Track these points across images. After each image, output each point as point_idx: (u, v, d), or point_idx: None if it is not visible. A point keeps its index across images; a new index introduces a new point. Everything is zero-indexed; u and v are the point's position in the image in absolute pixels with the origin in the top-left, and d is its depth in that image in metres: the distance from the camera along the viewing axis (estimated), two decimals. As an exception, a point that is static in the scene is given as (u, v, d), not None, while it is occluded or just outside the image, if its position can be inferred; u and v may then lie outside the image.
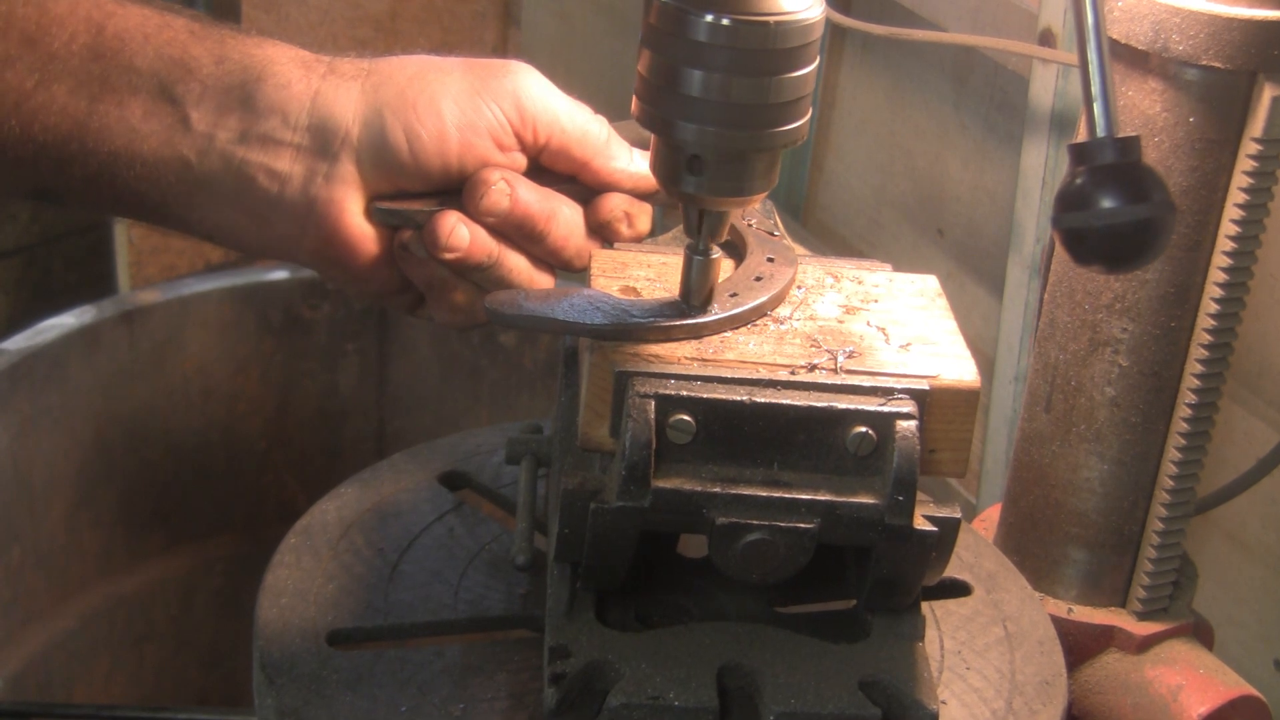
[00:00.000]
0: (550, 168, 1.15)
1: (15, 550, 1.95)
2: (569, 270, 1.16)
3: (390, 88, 1.10)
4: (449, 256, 1.11)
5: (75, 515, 2.03)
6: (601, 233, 1.16)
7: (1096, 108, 0.95)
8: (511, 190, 1.11)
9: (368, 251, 1.12)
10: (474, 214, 1.11)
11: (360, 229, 1.11)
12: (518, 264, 1.14)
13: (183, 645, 2.20)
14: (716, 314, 1.02)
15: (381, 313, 2.20)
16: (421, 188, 1.12)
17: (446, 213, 1.11)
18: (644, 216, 1.16)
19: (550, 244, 1.13)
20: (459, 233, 1.11)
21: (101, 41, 1.09)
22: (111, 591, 2.10)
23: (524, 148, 1.13)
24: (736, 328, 1.03)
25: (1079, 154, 0.95)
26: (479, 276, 1.13)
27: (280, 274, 2.15)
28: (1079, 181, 0.94)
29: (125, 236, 2.61)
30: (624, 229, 1.15)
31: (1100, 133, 0.95)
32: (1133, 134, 0.97)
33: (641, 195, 1.16)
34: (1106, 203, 0.93)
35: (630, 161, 1.15)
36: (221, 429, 2.16)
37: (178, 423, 2.12)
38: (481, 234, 1.11)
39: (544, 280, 1.15)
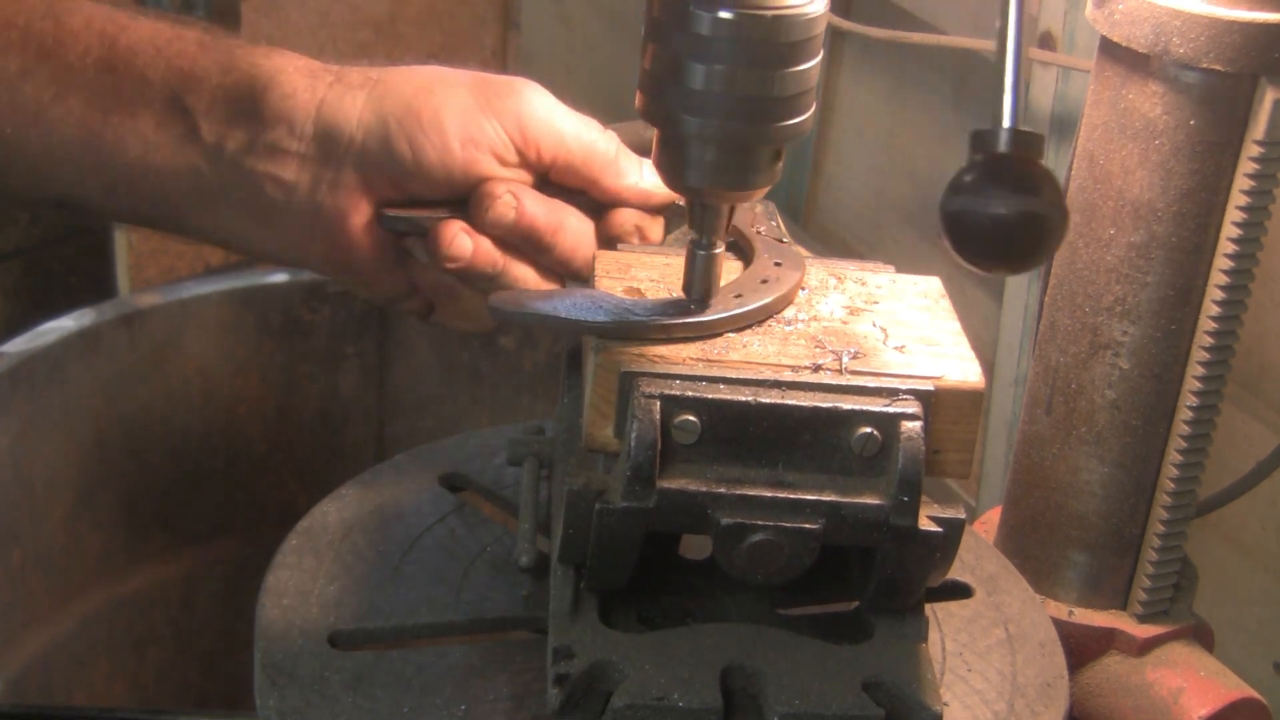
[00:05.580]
0: (560, 184, 1.15)
1: (15, 552, 1.94)
2: (578, 281, 1.16)
3: (396, 98, 1.10)
4: (451, 266, 1.11)
5: (75, 517, 2.03)
6: (613, 247, 1.16)
7: (1006, 99, 0.95)
8: (518, 203, 1.11)
9: (375, 258, 1.12)
10: (479, 226, 1.11)
11: (367, 236, 1.12)
12: (524, 274, 1.14)
13: (184, 647, 2.19)
14: (720, 313, 1.02)
15: (382, 316, 2.19)
16: (429, 196, 1.12)
17: (449, 222, 1.11)
18: (655, 228, 1.16)
19: (558, 255, 1.13)
20: (460, 242, 1.11)
21: (114, 54, 1.10)
22: (112, 594, 2.09)
23: (528, 166, 1.13)
24: (741, 328, 1.03)
25: (976, 141, 0.95)
26: (485, 285, 1.13)
27: (280, 277, 2.15)
28: (971, 168, 0.93)
29: (125, 239, 2.61)
30: (636, 243, 1.16)
31: (1006, 123, 0.94)
32: (1036, 131, 0.96)
33: (651, 210, 1.16)
34: (994, 191, 0.91)
35: (640, 177, 1.15)
36: (222, 431, 2.16)
37: (178, 425, 2.11)
38: (486, 244, 1.12)
39: None
